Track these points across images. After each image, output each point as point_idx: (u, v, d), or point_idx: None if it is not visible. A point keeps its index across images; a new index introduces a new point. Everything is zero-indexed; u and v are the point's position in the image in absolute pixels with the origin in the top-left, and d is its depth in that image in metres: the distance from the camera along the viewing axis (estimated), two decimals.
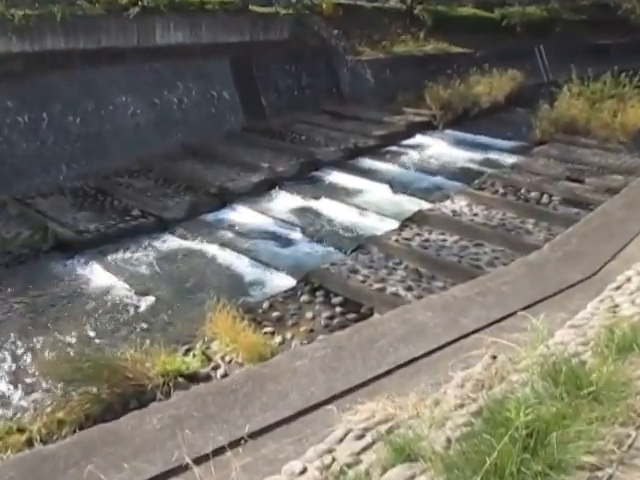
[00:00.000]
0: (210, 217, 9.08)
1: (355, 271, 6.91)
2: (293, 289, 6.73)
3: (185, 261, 7.88)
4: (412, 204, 9.32)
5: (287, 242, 8.33)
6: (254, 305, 6.43)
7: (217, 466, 2.52)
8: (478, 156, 11.74)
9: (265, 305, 6.34)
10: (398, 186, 9.98)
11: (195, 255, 8.01)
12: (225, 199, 9.49)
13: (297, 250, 8.07)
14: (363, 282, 6.66)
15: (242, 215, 9.15)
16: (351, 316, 6.10)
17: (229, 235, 8.51)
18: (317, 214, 9.19)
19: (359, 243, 7.79)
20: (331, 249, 8.01)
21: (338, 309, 6.26)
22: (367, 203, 9.42)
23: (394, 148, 12.12)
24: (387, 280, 6.71)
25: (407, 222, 8.32)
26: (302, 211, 9.29)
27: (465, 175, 10.53)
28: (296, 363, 3.65)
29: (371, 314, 6.04)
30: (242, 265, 7.65)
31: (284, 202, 9.60)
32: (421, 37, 16.05)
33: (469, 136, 12.81)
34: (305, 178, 10.46)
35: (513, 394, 2.30)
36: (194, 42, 12.38)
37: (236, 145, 11.60)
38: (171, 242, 8.35)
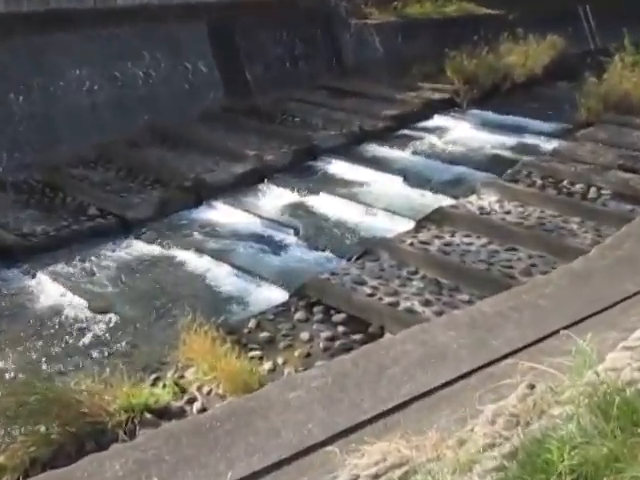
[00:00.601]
0: (183, 217, 9.13)
1: (361, 282, 6.93)
2: (285, 304, 6.74)
3: (153, 271, 7.90)
4: (430, 200, 9.36)
5: (278, 247, 8.36)
6: (238, 324, 6.44)
7: None
8: (511, 141, 11.77)
9: (251, 324, 6.35)
10: (413, 178, 10.03)
11: (165, 263, 8.04)
12: (202, 195, 9.53)
13: (290, 257, 8.11)
14: (371, 295, 6.68)
15: (223, 214, 9.18)
16: (356, 337, 6.12)
17: (207, 239, 8.55)
18: (314, 213, 9.23)
19: (366, 248, 7.82)
20: (331, 255, 8.04)
21: (340, 328, 6.27)
22: (375, 199, 9.46)
23: (408, 132, 12.18)
24: (400, 293, 6.73)
25: (424, 222, 8.34)
26: (296, 209, 9.32)
27: (495, 164, 10.58)
28: (289, 394, 3.66)
29: (381, 334, 6.06)
30: (223, 275, 7.68)
31: (274, 198, 9.63)
32: None
33: (499, 116, 12.85)
34: (300, 169, 10.50)
35: (555, 432, 2.30)
36: (163, 3, 12.34)
37: (215, 128, 11.64)
38: (136, 247, 8.38)
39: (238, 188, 9.81)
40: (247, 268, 7.74)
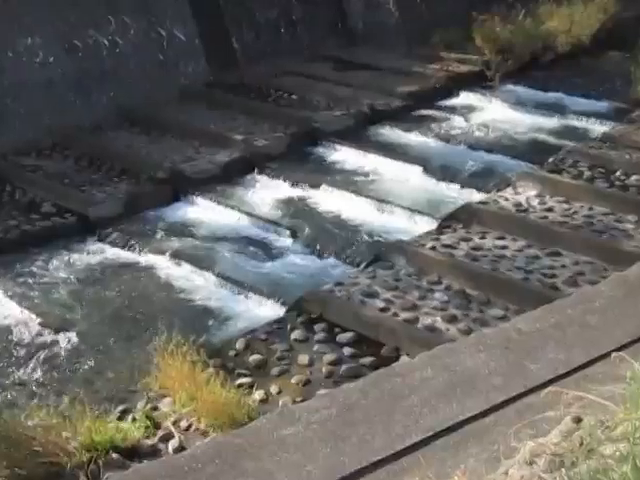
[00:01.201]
0: (157, 215, 9.17)
1: (372, 294, 6.94)
2: (280, 321, 6.76)
3: (121, 280, 7.92)
4: (456, 194, 9.38)
5: (271, 252, 8.38)
6: (223, 345, 6.45)
7: None
8: (552, 123, 11.77)
9: (239, 345, 6.37)
10: (435, 168, 10.06)
11: (135, 271, 8.06)
12: (179, 188, 9.58)
13: (286, 264, 8.12)
14: (384, 310, 6.69)
15: (204, 212, 9.21)
16: (367, 361, 6.14)
17: (185, 242, 8.59)
18: (315, 210, 9.25)
19: (377, 253, 7.84)
20: (336, 262, 8.06)
21: (347, 350, 6.28)
22: (389, 193, 9.47)
23: (428, 112, 12.19)
24: (420, 307, 6.74)
25: (449, 221, 8.37)
26: (293, 206, 9.34)
27: (534, 151, 10.62)
28: (285, 430, 3.65)
29: (396, 358, 6.08)
30: (205, 286, 7.70)
31: (266, 192, 9.65)
32: None
33: (539, 94, 12.84)
34: (297, 157, 10.51)
35: (606, 475, 2.30)
36: None
37: (195, 108, 11.69)
38: (100, 252, 8.42)
39: (223, 180, 9.83)
40: (234, 277, 7.74)
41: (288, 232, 8.61)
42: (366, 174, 10.10)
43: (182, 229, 8.88)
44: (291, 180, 9.79)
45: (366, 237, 8.54)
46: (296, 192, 9.63)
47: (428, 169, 10.03)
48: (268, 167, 10.15)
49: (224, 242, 8.54)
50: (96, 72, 11.45)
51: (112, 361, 6.59)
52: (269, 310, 7.18)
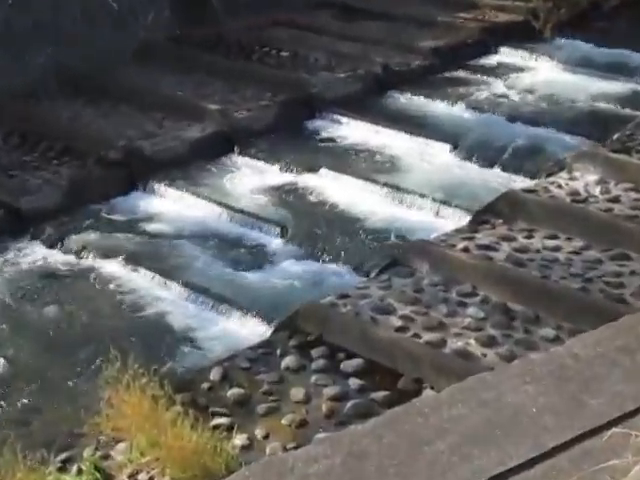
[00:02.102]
0: (108, 208, 9.17)
1: (386, 309, 6.94)
2: (267, 345, 6.74)
3: (61, 292, 7.92)
4: (494, 180, 9.40)
5: (255, 255, 8.38)
6: (193, 376, 6.44)
7: None
8: (618, 87, 11.78)
9: (214, 376, 6.35)
10: (467, 146, 10.07)
11: (80, 280, 8.06)
12: (136, 173, 9.60)
13: (274, 271, 8.11)
14: (402, 330, 6.68)
15: (169, 203, 9.21)
16: (379, 395, 6.13)
17: (145, 242, 8.59)
18: (312, 202, 9.23)
19: (393, 256, 7.84)
20: (339, 268, 8.05)
21: (354, 382, 6.27)
22: (408, 179, 9.43)
23: (458, 74, 12.23)
24: (448, 327, 6.74)
25: (486, 214, 8.37)
26: (284, 196, 9.34)
27: (594, 124, 10.64)
28: None
29: (418, 392, 6.07)
30: (170, 300, 7.69)
31: (249, 178, 9.65)
32: None
33: (600, 50, 12.87)
34: (289, 132, 10.51)
35: None
36: None
37: (157, 70, 11.71)
38: (35, 254, 8.41)
39: (193, 162, 9.84)
40: (207, 288, 7.73)
41: (277, 230, 8.61)
42: (378, 154, 10.09)
43: (141, 226, 8.87)
44: (281, 162, 9.76)
45: (378, 236, 8.54)
46: (288, 178, 9.61)
47: (458, 147, 10.03)
48: (252, 146, 10.13)
49: (195, 243, 8.53)
50: (28, 24, 11.41)
51: (51, 396, 6.58)
52: (252, 330, 7.17)
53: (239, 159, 10.01)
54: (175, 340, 7.22)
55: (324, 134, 10.61)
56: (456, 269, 7.46)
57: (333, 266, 8.11)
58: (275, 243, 8.51)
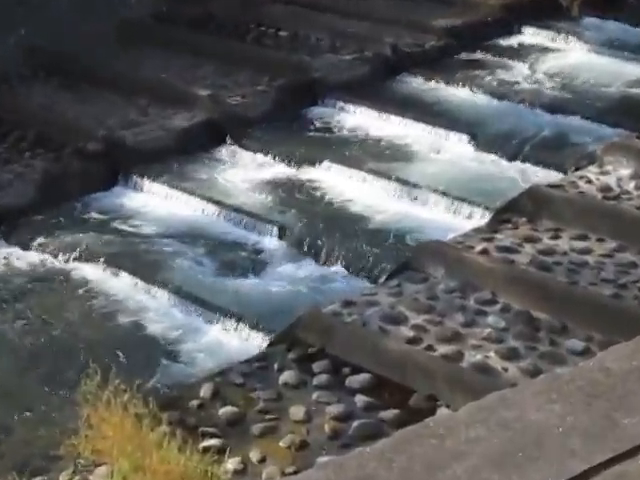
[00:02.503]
0: (86, 205, 9.19)
1: (397, 319, 6.94)
2: (264, 358, 6.76)
3: (35, 299, 7.92)
4: (517, 174, 9.41)
5: (249, 258, 8.39)
6: (182, 393, 6.45)
7: None
8: None
9: (205, 393, 6.35)
10: (487, 137, 10.10)
11: (56, 286, 8.07)
12: (118, 166, 9.64)
13: (271, 275, 8.13)
14: (414, 342, 6.68)
15: (154, 200, 9.25)
16: (389, 414, 6.13)
17: (127, 244, 8.60)
18: (314, 198, 9.26)
19: (405, 259, 7.85)
20: (345, 272, 8.07)
21: (361, 400, 6.27)
22: (422, 173, 9.44)
23: (478, 55, 12.28)
24: (465, 338, 6.74)
25: (508, 213, 8.39)
26: (283, 192, 9.35)
27: (627, 112, 10.65)
28: None
29: (431, 410, 6.07)
30: (156, 307, 7.71)
31: (243, 172, 9.66)
32: None
33: (634, 31, 12.85)
34: (288, 121, 10.53)
35: None
36: None
37: (141, 52, 11.74)
38: (6, 258, 8.41)
39: (181, 154, 9.85)
40: (197, 295, 7.74)
41: (275, 230, 8.60)
42: (387, 146, 10.08)
43: (123, 225, 8.87)
44: (279, 155, 9.77)
45: (387, 236, 8.53)
46: (286, 172, 9.62)
47: (477, 138, 10.03)
48: (246, 136, 10.14)
49: (183, 244, 8.53)
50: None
51: (24, 414, 6.57)
52: (247, 342, 7.17)
53: (232, 151, 10.02)
54: (161, 352, 7.22)
55: (327, 123, 10.61)
56: (474, 274, 7.46)
57: (337, 270, 8.11)
58: (272, 244, 8.51)
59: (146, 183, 9.45)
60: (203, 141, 10.13)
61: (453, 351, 6.61)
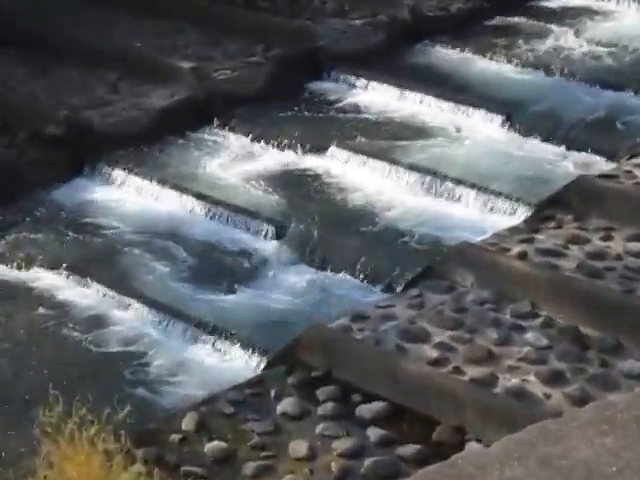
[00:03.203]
0: (44, 200, 9.24)
1: (417, 335, 6.94)
2: (258, 383, 6.74)
3: None
4: (561, 162, 9.43)
5: (241, 263, 8.42)
6: (160, 425, 6.45)
7: None
8: None
9: (188, 425, 6.34)
10: (524, 117, 10.12)
11: (10, 297, 8.08)
12: (83, 153, 9.66)
13: (266, 284, 8.15)
14: (439, 364, 6.65)
15: (125, 193, 9.29)
16: (408, 451, 6.12)
17: (93, 246, 8.62)
18: (318, 192, 9.30)
19: (427, 264, 7.85)
20: (354, 279, 8.10)
21: (374, 433, 6.27)
22: (446, 161, 9.49)
23: (513, 20, 12.32)
24: (500, 358, 6.74)
25: (549, 208, 8.40)
26: (279, 183, 9.38)
27: None
28: None
29: (459, 445, 6.06)
30: (127, 322, 7.73)
31: (234, 159, 9.71)
32: None
33: None
34: (287, 98, 10.56)
35: None
36: None
37: (110, 15, 11.73)
38: None
39: (158, 139, 9.91)
40: (177, 308, 7.76)
41: (271, 230, 8.63)
42: (405, 128, 10.10)
43: (89, 224, 8.89)
44: (277, 139, 9.80)
45: (407, 237, 8.55)
46: (285, 160, 9.65)
47: (513, 119, 10.05)
48: (237, 117, 10.18)
49: (161, 247, 8.55)
50: None
51: None
52: (239, 363, 7.18)
53: (220, 135, 10.05)
54: (135, 376, 7.22)
55: (333, 101, 10.63)
56: (510, 281, 7.45)
57: (345, 277, 8.14)
58: (268, 247, 8.54)
59: (116, 174, 9.49)
60: (185, 123, 10.16)
61: (485, 374, 6.61)
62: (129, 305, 7.89)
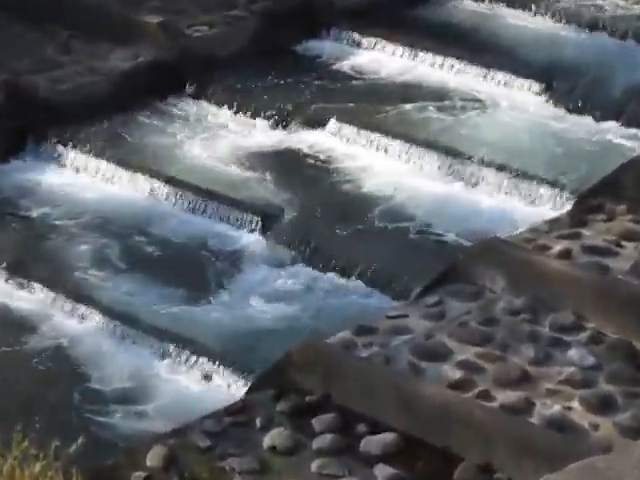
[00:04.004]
0: None
1: (436, 352, 6.93)
2: (239, 410, 6.72)
3: None
4: (611, 140, 9.48)
5: (218, 262, 8.46)
6: (121, 460, 6.43)
7: None
8: None
9: (154, 460, 6.32)
10: (568, 86, 10.18)
11: None
12: (27, 127, 9.71)
13: (249, 289, 8.19)
14: (461, 387, 6.64)
15: (77, 176, 9.36)
16: None
17: (37, 242, 8.66)
18: (313, 174, 9.38)
19: (448, 263, 7.83)
20: (357, 283, 8.14)
21: (383, 471, 6.23)
22: (470, 139, 9.57)
23: None
24: (536, 380, 6.74)
25: (597, 196, 8.41)
26: (267, 164, 9.44)
27: None
28: None
29: None
30: (79, 333, 7.75)
31: (211, 135, 9.80)
32: None
33: None
34: (277, 59, 10.66)
35: None
36: None
37: None
38: None
39: (120, 111, 9.98)
40: (140, 318, 7.79)
41: (256, 221, 8.67)
42: (421, 98, 10.17)
43: (34, 214, 8.93)
44: (263, 111, 9.88)
45: (423, 232, 8.60)
46: (274, 136, 9.73)
47: (554, 88, 10.12)
48: (215, 83, 10.28)
49: (121, 242, 8.58)
50: None
51: None
52: (217, 386, 7.21)
53: (194, 105, 10.14)
54: (89, 401, 7.23)
55: (333, 64, 10.70)
56: (550, 286, 7.46)
57: (348, 280, 8.18)
58: (252, 242, 8.58)
59: (67, 153, 9.52)
60: (151, 92, 10.22)
61: (519, 400, 6.58)
62: (81, 314, 7.91)
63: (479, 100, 10.13)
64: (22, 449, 5.45)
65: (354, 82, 10.43)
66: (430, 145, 9.41)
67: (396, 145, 9.45)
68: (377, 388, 6.76)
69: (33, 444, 5.46)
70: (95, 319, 7.85)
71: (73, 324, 7.87)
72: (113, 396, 7.29)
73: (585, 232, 8.01)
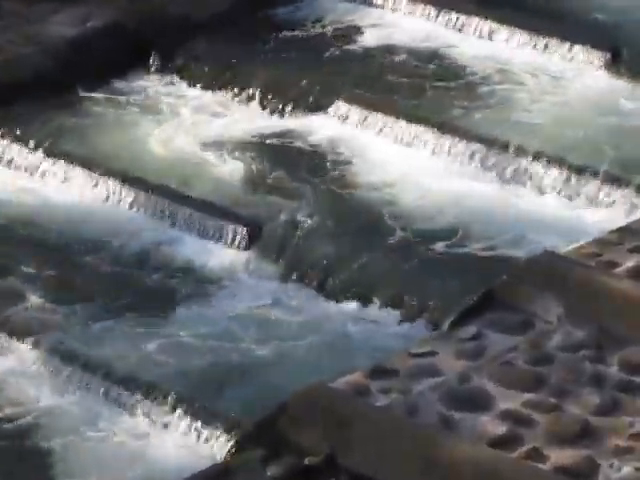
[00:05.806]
0: None
1: (473, 400, 6.93)
2: (220, 474, 6.71)
3: None
4: None
5: (191, 287, 8.49)
6: None
7: None
8: None
9: None
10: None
11: None
12: None
13: (229, 318, 8.19)
14: (506, 444, 6.62)
15: (11, 175, 9.42)
16: None
17: None
18: (313, 170, 9.44)
19: (487, 287, 7.84)
20: (370, 310, 8.17)
21: None
22: (516, 124, 9.65)
23: None
24: (601, 434, 6.69)
25: None
26: (253, 158, 9.52)
27: None
28: None
29: None
30: (9, 376, 7.74)
31: (181, 120, 9.93)
32: None
33: None
34: (263, 23, 10.86)
35: None
36: None
37: None
38: None
39: (65, 89, 10.08)
40: (88, 355, 7.78)
41: (241, 231, 8.69)
42: (451, 73, 10.30)
43: None
44: (248, 89, 9.98)
45: (456, 245, 8.62)
46: (263, 121, 9.82)
47: (623, 58, 10.21)
48: (185, 54, 10.43)
49: (64, 258, 8.64)
50: None
51: None
52: (190, 443, 7.19)
53: (161, 83, 10.24)
54: (28, 458, 7.22)
55: (337, 30, 10.81)
56: (619, 314, 7.46)
57: (359, 306, 8.19)
58: (234, 258, 8.61)
59: None
60: (106, 66, 10.29)
61: (579, 460, 6.54)
62: (16, 348, 7.94)
63: (524, 74, 10.23)
64: None
65: (363, 53, 10.61)
66: (462, 133, 9.50)
67: (417, 132, 9.52)
68: (397, 447, 6.69)
69: None
70: (30, 355, 7.89)
71: (8, 361, 7.93)
72: (55, 458, 7.23)
73: None
